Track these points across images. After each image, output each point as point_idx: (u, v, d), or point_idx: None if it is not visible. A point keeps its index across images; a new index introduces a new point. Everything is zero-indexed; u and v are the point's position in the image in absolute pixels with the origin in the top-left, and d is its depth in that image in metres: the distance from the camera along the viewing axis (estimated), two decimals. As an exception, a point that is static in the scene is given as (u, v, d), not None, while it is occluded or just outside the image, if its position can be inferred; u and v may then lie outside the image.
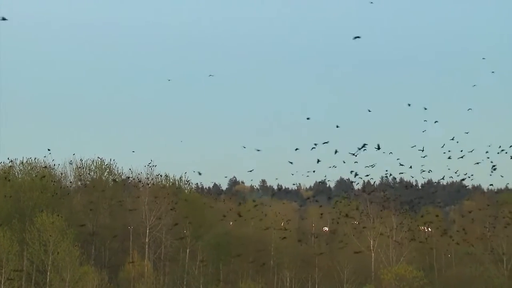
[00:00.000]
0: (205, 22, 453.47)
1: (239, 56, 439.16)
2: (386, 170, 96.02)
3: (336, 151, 58.58)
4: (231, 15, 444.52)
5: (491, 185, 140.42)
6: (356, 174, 69.49)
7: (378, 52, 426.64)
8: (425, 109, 73.84)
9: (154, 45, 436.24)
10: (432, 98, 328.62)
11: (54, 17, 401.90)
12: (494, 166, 67.54)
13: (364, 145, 56.89)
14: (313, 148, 61.67)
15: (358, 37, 46.76)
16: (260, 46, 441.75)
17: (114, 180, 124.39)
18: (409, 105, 75.84)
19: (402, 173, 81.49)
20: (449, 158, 70.00)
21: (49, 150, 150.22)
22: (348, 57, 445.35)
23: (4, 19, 32.88)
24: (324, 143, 57.43)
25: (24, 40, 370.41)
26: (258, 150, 70.09)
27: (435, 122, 74.84)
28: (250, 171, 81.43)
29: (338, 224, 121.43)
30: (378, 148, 58.87)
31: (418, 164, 76.20)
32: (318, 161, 60.47)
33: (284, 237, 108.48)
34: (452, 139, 67.82)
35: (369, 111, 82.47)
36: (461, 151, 69.39)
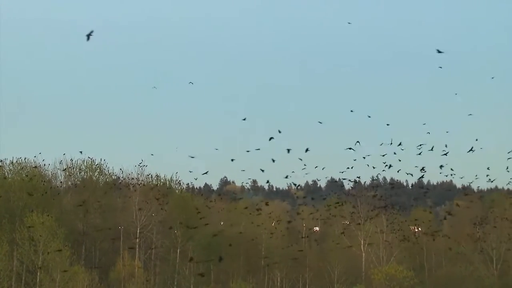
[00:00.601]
0: (202, 22, 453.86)
1: (239, 56, 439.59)
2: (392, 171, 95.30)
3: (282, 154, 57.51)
4: (230, 15, 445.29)
5: (491, 181, 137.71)
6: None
7: (378, 52, 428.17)
8: (369, 117, 74.47)
9: (148, 45, 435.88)
10: (431, 98, 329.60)
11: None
12: (441, 165, 66.77)
13: (307, 149, 56.39)
14: (255, 149, 61.43)
15: (440, 51, 46.28)
16: (259, 46, 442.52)
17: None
18: (351, 111, 76.50)
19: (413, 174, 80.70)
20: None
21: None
22: (348, 57, 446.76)
23: (89, 36, 30.29)
24: (270, 138, 56.03)
25: (20, 40, 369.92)
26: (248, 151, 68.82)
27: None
28: (205, 173, 76.82)
29: (327, 225, 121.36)
30: (391, 143, 59.30)
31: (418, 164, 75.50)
32: (273, 160, 59.62)
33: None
34: (399, 145, 65.73)
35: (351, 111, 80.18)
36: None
